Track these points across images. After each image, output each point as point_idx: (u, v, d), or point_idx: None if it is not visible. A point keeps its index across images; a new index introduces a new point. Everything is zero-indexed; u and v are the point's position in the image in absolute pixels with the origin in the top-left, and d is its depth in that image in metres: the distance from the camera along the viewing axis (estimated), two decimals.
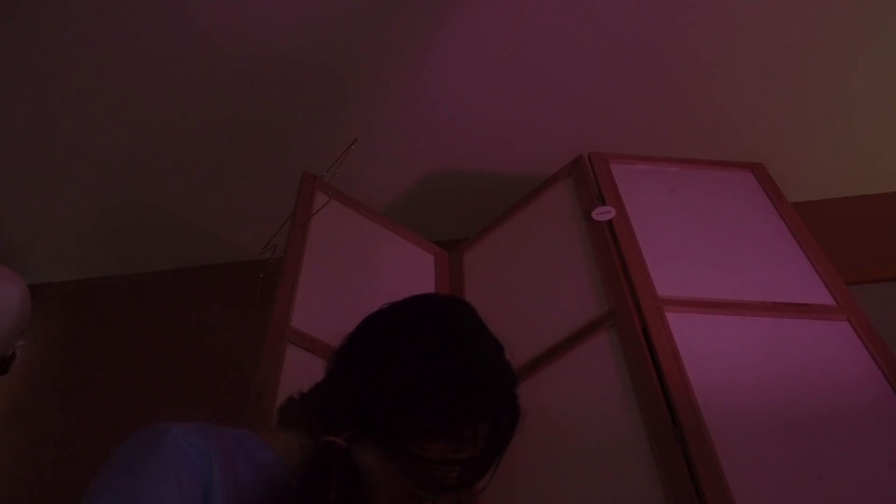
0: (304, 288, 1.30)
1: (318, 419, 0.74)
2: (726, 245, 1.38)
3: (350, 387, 0.75)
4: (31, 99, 1.78)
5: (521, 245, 1.55)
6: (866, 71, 1.86)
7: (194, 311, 2.10)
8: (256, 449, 0.71)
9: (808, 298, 1.26)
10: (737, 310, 1.22)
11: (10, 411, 1.89)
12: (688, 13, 1.71)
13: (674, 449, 0.96)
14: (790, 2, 1.70)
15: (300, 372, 1.07)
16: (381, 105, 1.85)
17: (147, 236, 2.17)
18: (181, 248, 2.21)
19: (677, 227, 1.41)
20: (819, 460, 0.98)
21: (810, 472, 0.97)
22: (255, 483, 0.69)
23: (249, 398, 1.06)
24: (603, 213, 1.39)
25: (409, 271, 1.56)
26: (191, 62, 1.72)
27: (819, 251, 1.36)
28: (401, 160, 2.02)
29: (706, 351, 1.13)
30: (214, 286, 2.17)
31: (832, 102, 1.93)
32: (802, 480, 0.96)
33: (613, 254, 1.31)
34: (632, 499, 0.97)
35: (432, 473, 0.72)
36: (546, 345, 1.26)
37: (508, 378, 0.81)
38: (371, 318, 0.82)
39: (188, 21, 1.64)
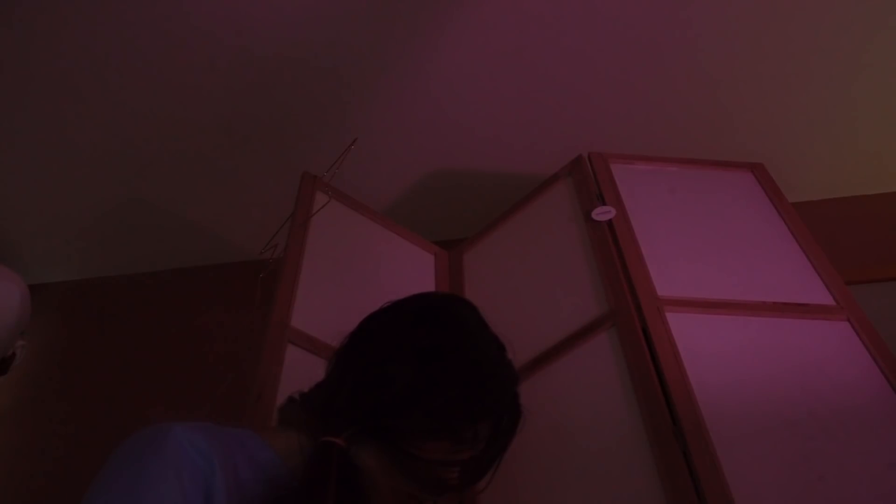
0: (304, 288, 1.30)
1: (317, 419, 0.74)
2: (726, 245, 1.38)
3: (349, 387, 0.75)
4: (31, 98, 1.78)
5: (520, 245, 1.55)
6: (866, 71, 1.86)
7: (194, 311, 2.10)
8: (257, 448, 0.71)
9: (808, 298, 1.26)
10: (737, 310, 1.22)
11: (9, 411, 1.89)
12: (688, 13, 1.71)
13: (674, 449, 0.96)
14: (791, 1, 1.70)
15: (300, 372, 1.07)
16: (381, 105, 1.85)
17: (147, 236, 2.17)
18: (181, 248, 2.21)
19: (677, 227, 1.41)
20: (819, 460, 0.98)
21: (810, 471, 0.97)
22: (255, 482, 0.69)
23: (249, 398, 1.06)
24: (603, 213, 1.39)
25: (408, 271, 1.56)
26: (191, 61, 1.72)
27: (819, 251, 1.36)
28: (401, 160, 2.02)
29: (706, 351, 1.13)
30: (214, 286, 2.17)
31: (832, 102, 1.93)
32: (802, 480, 0.96)
33: (613, 254, 1.31)
34: (632, 499, 0.97)
35: (432, 474, 0.72)
36: (546, 345, 1.26)
37: (510, 377, 0.80)
38: (371, 317, 0.82)
39: (188, 20, 1.64)
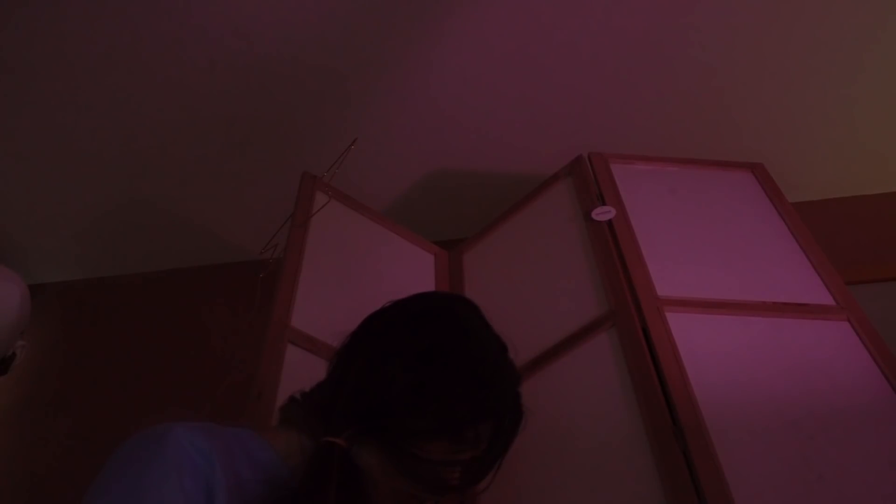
0: (304, 288, 1.30)
1: (318, 419, 0.73)
2: (726, 245, 1.38)
3: (351, 386, 0.75)
4: (31, 98, 1.78)
5: (520, 245, 1.55)
6: (867, 71, 1.86)
7: (194, 310, 2.10)
8: (257, 448, 0.71)
9: (808, 298, 1.26)
10: (737, 310, 1.22)
11: (9, 411, 1.89)
12: (688, 13, 1.71)
13: (674, 449, 0.96)
14: (791, 2, 1.70)
15: (300, 372, 1.07)
16: (381, 105, 1.85)
17: (147, 236, 2.17)
18: (181, 248, 2.21)
19: (677, 227, 1.41)
20: (819, 460, 0.98)
21: (810, 471, 0.97)
22: (255, 482, 0.68)
23: (250, 398, 1.06)
24: (603, 213, 1.39)
25: (409, 271, 1.56)
26: (191, 61, 1.71)
27: (819, 251, 1.36)
28: (401, 160, 2.02)
29: (706, 351, 1.13)
30: (214, 286, 2.17)
31: (832, 102, 1.93)
32: (802, 480, 0.96)
33: (613, 254, 1.31)
34: (632, 499, 0.97)
35: (434, 474, 0.72)
36: (546, 345, 1.26)
37: (512, 377, 0.80)
38: (373, 317, 0.82)
39: (188, 20, 1.64)
